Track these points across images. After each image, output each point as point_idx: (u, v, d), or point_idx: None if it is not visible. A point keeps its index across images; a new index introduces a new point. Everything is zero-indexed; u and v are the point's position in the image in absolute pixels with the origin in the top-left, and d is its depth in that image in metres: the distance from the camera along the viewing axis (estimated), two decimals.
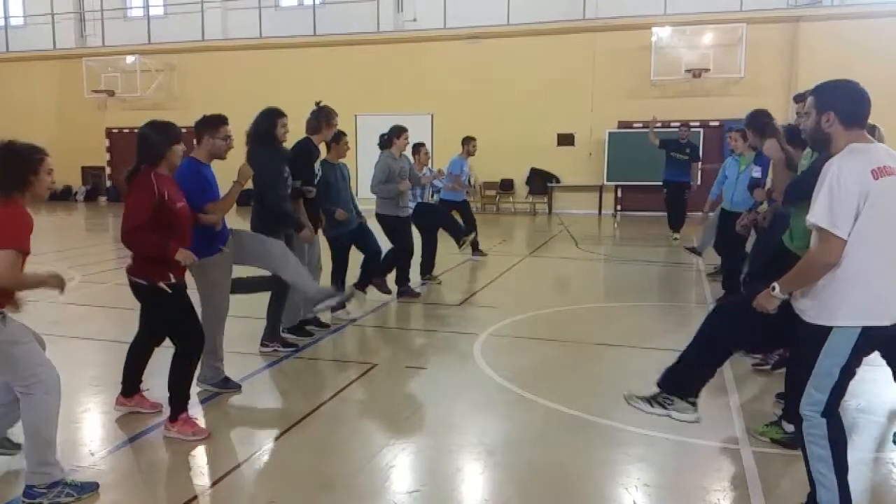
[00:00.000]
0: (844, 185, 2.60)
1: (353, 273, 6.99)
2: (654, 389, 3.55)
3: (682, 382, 3.50)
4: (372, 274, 7.25)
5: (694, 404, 3.50)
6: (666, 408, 3.50)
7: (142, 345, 4.27)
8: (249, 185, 4.81)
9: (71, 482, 3.23)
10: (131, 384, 4.27)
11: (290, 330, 5.87)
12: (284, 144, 5.46)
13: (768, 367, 5.07)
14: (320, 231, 6.16)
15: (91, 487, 3.27)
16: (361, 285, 7.20)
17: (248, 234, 4.85)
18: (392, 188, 7.29)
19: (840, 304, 2.69)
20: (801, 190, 2.95)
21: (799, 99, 4.47)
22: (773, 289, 2.87)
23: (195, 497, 3.30)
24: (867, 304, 2.68)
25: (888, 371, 3.86)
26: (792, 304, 2.88)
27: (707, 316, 3.54)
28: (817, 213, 2.66)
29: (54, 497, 3.14)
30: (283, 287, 5.37)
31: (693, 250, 9.48)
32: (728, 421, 4.16)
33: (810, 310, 2.78)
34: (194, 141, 4.46)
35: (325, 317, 6.32)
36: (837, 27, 16.21)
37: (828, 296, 2.71)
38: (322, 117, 5.91)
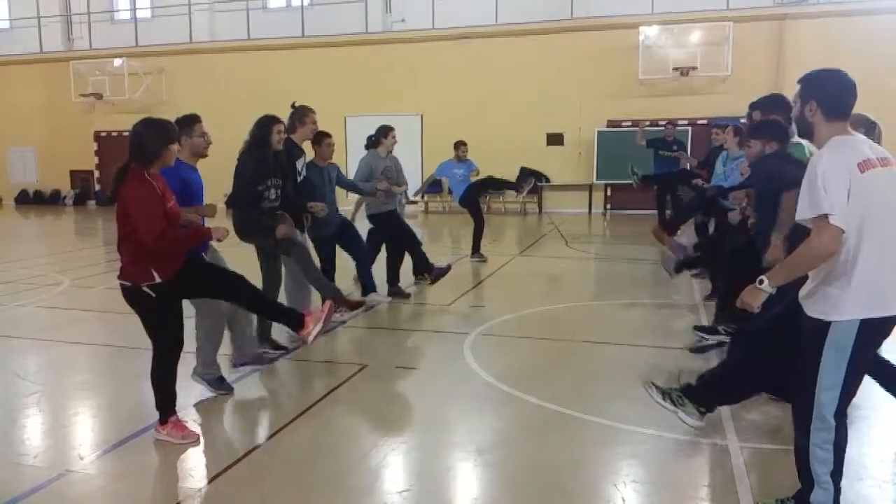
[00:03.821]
0: (832, 177, 2.57)
1: (345, 275, 6.99)
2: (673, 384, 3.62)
3: (706, 395, 3.56)
4: (423, 267, 7.60)
5: (703, 414, 3.57)
6: (676, 406, 3.56)
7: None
8: None
9: None
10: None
11: None
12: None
13: None
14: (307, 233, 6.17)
15: None
16: (420, 271, 7.76)
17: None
18: (370, 186, 7.35)
19: (838, 297, 2.67)
20: None
21: (753, 107, 4.52)
22: (761, 282, 2.79)
23: (185, 500, 3.29)
24: (864, 296, 2.65)
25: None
26: (798, 297, 2.85)
27: (737, 347, 3.52)
28: (802, 210, 2.64)
29: None
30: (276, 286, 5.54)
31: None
32: (716, 418, 4.17)
33: (811, 303, 2.77)
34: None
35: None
36: (823, 25, 16.35)
37: (826, 289, 2.70)
38: (295, 116, 5.99)
